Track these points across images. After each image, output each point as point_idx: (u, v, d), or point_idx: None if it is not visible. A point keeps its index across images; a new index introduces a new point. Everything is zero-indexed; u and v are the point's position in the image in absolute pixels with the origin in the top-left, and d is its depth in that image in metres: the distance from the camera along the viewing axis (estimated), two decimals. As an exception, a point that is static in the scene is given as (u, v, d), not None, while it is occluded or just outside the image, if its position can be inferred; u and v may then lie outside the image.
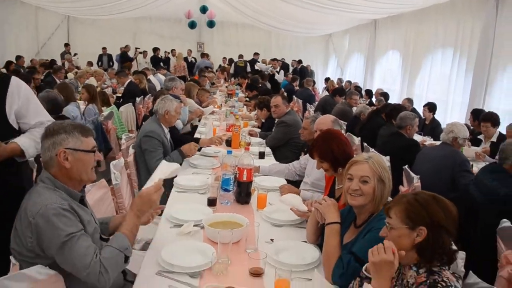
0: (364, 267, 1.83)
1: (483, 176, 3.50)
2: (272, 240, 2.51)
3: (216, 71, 14.75)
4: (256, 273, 2.12)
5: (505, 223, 2.90)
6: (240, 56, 15.58)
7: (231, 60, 16.09)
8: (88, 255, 1.87)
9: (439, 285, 1.57)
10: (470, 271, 2.07)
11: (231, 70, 14.81)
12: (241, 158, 3.05)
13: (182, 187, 3.36)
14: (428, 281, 1.61)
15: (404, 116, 5.01)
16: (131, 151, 4.07)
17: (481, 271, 2.05)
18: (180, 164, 3.91)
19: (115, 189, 3.27)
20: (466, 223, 3.21)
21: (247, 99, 8.39)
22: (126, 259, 2.01)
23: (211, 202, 2.97)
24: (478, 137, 6.21)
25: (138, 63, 15.14)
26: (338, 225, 2.21)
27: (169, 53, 15.90)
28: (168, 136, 4.12)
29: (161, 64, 14.72)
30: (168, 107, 3.98)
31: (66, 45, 14.87)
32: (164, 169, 2.44)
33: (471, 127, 6.67)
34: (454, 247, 1.77)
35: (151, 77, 10.51)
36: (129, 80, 8.65)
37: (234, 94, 9.10)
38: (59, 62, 12.85)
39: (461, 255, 2.25)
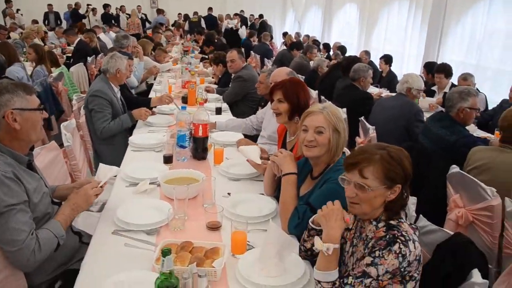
0: (311, 219, 1.84)
1: (431, 125, 3.59)
2: (229, 194, 2.51)
3: (172, 26, 14.31)
4: (213, 227, 2.13)
5: (454, 169, 3.02)
6: (195, 13, 15.13)
7: (186, 16, 15.63)
8: (24, 231, 1.79)
9: (398, 240, 1.56)
10: (421, 215, 2.14)
11: (186, 27, 14.40)
12: (196, 114, 3.01)
13: (137, 146, 3.30)
14: (387, 236, 1.60)
15: (357, 68, 5.04)
16: (83, 112, 3.92)
17: (431, 216, 2.11)
18: (130, 126, 3.83)
19: (67, 151, 3.17)
20: (418, 169, 3.31)
21: (206, 56, 8.21)
22: (57, 247, 1.94)
23: (167, 159, 2.93)
24: (432, 88, 6.36)
25: (90, 21, 14.45)
26: (295, 175, 2.21)
27: (119, 9, 15.23)
28: (119, 95, 3.97)
29: (113, 21, 14.12)
30: (119, 65, 3.82)
31: (8, 1, 13.92)
32: (105, 172, 2.33)
33: (425, 80, 6.83)
34: None
35: (101, 35, 10.09)
36: (78, 39, 8.25)
37: (190, 50, 8.87)
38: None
39: (413, 200, 2.33)
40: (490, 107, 5.61)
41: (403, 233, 1.60)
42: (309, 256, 1.88)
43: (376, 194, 1.63)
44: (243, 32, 13.70)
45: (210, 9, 15.12)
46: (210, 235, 2.09)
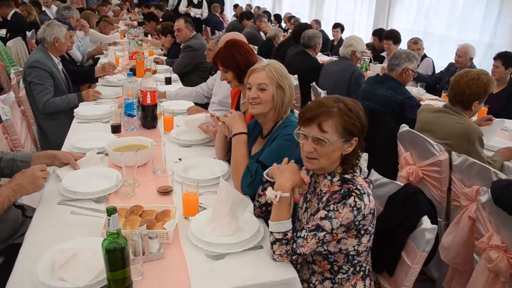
0: (265, 172, 1.82)
1: (373, 88, 3.62)
2: (180, 159, 2.45)
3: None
4: (164, 191, 2.07)
5: (404, 128, 3.08)
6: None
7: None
8: None
9: (353, 193, 1.55)
10: (372, 169, 2.17)
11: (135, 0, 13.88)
12: (143, 81, 2.90)
13: (83, 117, 3.16)
14: (342, 190, 1.58)
15: (312, 34, 5.02)
16: (22, 85, 3.70)
17: (383, 174, 2.13)
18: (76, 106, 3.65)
19: (6, 125, 2.99)
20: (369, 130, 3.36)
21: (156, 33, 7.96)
22: None
23: (115, 129, 2.82)
24: (382, 54, 6.47)
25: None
26: (245, 135, 2.18)
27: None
28: (60, 66, 3.77)
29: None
30: (57, 34, 3.61)
31: None
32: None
33: (376, 47, 6.94)
34: None
35: (46, 9, 9.55)
36: (13, 11, 7.71)
37: (137, 21, 8.54)
38: None
39: (365, 157, 2.35)
40: (437, 71, 5.77)
41: (358, 186, 1.59)
42: (264, 213, 1.87)
43: (334, 148, 1.60)
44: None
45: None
46: (161, 199, 2.04)
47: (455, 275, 2.54)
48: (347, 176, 1.65)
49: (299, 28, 5.68)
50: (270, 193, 1.64)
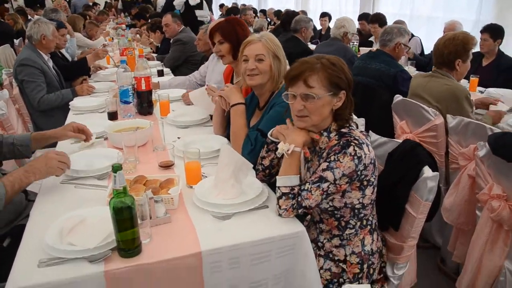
0: (270, 133, 1.83)
1: (367, 63, 3.64)
2: (179, 138, 2.45)
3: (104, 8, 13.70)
4: (166, 165, 2.08)
5: (397, 98, 3.11)
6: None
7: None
8: None
9: (352, 143, 1.57)
10: (370, 131, 2.19)
11: (119, 6, 13.82)
12: (136, 67, 2.90)
13: (79, 109, 3.17)
14: (341, 142, 1.60)
15: (299, 19, 5.04)
16: (15, 84, 3.69)
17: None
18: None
19: (2, 120, 2.99)
20: (363, 104, 3.39)
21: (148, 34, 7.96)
22: None
23: (112, 116, 2.83)
24: (369, 39, 6.50)
25: (12, 5, 13.49)
26: (242, 105, 2.20)
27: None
28: (50, 63, 3.76)
29: (38, 5, 13.29)
30: (43, 31, 3.59)
31: None
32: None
33: (363, 32, 6.97)
34: None
35: (35, 17, 9.51)
36: (-2, 21, 7.67)
37: (125, 25, 8.54)
38: None
39: (361, 121, 2.37)
40: (426, 52, 5.82)
41: (356, 137, 1.61)
42: (267, 176, 1.88)
43: (323, 102, 1.62)
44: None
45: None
46: (164, 173, 2.04)
47: (459, 236, 2.57)
48: (343, 130, 1.67)
49: (287, 16, 5.71)
50: (282, 146, 1.65)
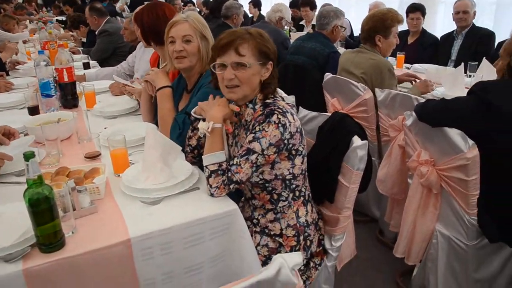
0: (193, 110, 1.79)
1: (303, 44, 3.69)
2: (105, 128, 2.34)
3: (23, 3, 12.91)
4: (92, 156, 1.97)
5: (328, 76, 3.14)
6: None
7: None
8: None
9: (275, 112, 1.57)
10: (300, 107, 2.19)
11: (40, 1, 13.07)
12: (56, 58, 2.74)
13: (-4, 107, 2.94)
14: (265, 111, 1.59)
15: (229, 5, 5.00)
16: None
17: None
18: None
19: None
20: (296, 83, 3.42)
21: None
22: None
23: (33, 111, 2.65)
24: (301, 23, 6.58)
25: None
26: (169, 88, 2.13)
27: None
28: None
29: None
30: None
31: None
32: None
33: (294, 17, 7.04)
34: None
35: None
36: None
37: (47, 22, 8.07)
38: None
39: (291, 99, 2.37)
40: (355, 34, 5.96)
41: (280, 106, 1.61)
42: (196, 157, 1.83)
43: (254, 72, 1.62)
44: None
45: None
46: (90, 164, 1.93)
47: (394, 206, 2.64)
48: (268, 100, 1.67)
49: (215, 2, 5.64)
50: (202, 125, 1.62)
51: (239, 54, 1.59)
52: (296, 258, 1.00)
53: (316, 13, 6.15)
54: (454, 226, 2.06)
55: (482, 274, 2.07)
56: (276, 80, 1.69)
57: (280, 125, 1.55)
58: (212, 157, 1.58)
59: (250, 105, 1.69)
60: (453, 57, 4.33)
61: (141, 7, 2.64)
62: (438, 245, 2.14)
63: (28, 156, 1.21)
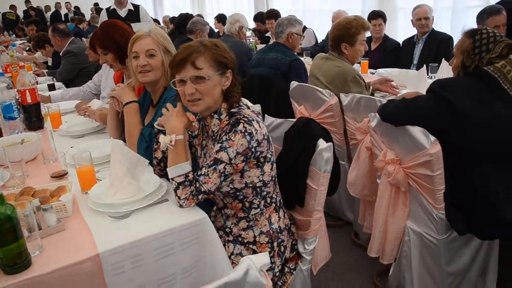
0: (156, 123, 1.78)
1: (264, 55, 3.72)
2: (72, 147, 2.31)
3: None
4: (58, 175, 1.94)
5: (293, 84, 3.18)
6: (12, 7, 13.46)
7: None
8: None
9: (241, 121, 1.57)
10: (266, 115, 2.21)
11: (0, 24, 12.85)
12: (18, 80, 2.69)
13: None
14: (231, 121, 1.59)
15: (195, 21, 5.06)
16: None
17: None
18: None
19: None
20: (261, 94, 3.44)
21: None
22: None
23: (-6, 134, 2.60)
24: (266, 35, 6.66)
25: None
26: (136, 103, 2.13)
27: None
28: None
29: None
30: None
31: None
32: None
33: (258, 29, 7.14)
34: None
35: None
36: None
37: (8, 45, 7.94)
38: None
39: (257, 108, 2.38)
40: (319, 41, 6.09)
41: (245, 115, 1.62)
42: (164, 170, 1.82)
43: (214, 83, 1.62)
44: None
45: (28, 1, 13.61)
46: (55, 182, 1.90)
47: (366, 208, 2.67)
48: (233, 110, 1.67)
49: (180, 18, 5.67)
50: (163, 139, 1.61)
51: (196, 67, 1.59)
52: (264, 258, 1.01)
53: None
54: (424, 222, 2.10)
55: (455, 266, 2.12)
56: (238, 88, 1.69)
57: (246, 133, 1.55)
58: (178, 169, 1.58)
59: (216, 116, 1.68)
60: (415, 61, 4.45)
61: (97, 31, 2.61)
62: (410, 241, 2.18)
63: (-13, 175, 1.18)
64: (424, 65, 3.33)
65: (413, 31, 4.57)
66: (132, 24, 4.64)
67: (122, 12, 4.76)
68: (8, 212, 1.22)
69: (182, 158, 1.60)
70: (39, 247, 1.37)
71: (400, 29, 5.93)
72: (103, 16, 4.94)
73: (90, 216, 1.57)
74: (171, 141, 1.58)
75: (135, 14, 5.05)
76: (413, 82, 3.21)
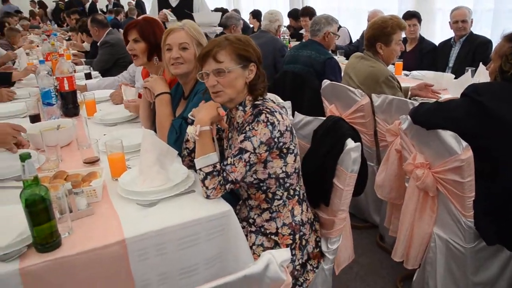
0: (190, 114, 1.83)
1: (298, 52, 3.72)
2: (105, 135, 2.37)
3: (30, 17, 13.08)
4: (91, 161, 2.00)
5: (325, 83, 3.17)
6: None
7: (41, 3, 14.38)
8: None
9: (263, 111, 1.62)
10: (295, 112, 2.21)
11: (49, 15, 13.22)
12: (57, 67, 2.78)
13: (-2, 115, 2.99)
14: (254, 112, 1.65)
15: (230, 15, 5.09)
16: None
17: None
18: None
19: None
20: (294, 91, 3.45)
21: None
22: None
23: (34, 119, 2.68)
24: (300, 32, 6.64)
25: None
26: (167, 95, 2.17)
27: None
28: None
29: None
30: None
31: None
32: None
33: (292, 26, 7.13)
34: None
35: None
36: None
37: (51, 33, 8.19)
38: None
39: (288, 104, 2.40)
40: (354, 41, 6.02)
41: (268, 106, 1.66)
42: (193, 161, 1.85)
43: (235, 75, 1.66)
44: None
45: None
46: (87, 167, 1.96)
47: (393, 211, 2.64)
48: (257, 102, 1.71)
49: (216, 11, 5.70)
50: (190, 129, 1.67)
51: (217, 61, 1.65)
52: (285, 254, 1.02)
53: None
54: (451, 229, 2.06)
55: (482, 277, 2.07)
56: (263, 81, 1.73)
57: (268, 123, 1.59)
58: (205, 159, 1.61)
59: (241, 108, 1.73)
60: (451, 64, 4.35)
61: (139, 19, 2.62)
62: (436, 248, 2.15)
63: (24, 157, 1.23)
64: (470, 70, 3.23)
65: (451, 33, 4.46)
66: (194, 15, 4.60)
67: (173, 2, 4.70)
68: (42, 193, 1.27)
69: (209, 149, 1.63)
70: (69, 229, 1.42)
71: (438, 31, 5.78)
72: (154, 4, 4.87)
73: (118, 202, 1.62)
74: (196, 132, 1.62)
75: (187, 3, 4.86)
76: (456, 87, 3.12)
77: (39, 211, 1.28)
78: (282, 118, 1.63)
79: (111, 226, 1.45)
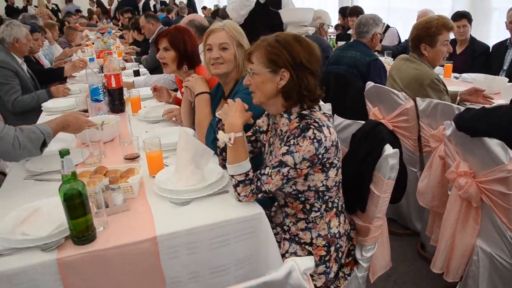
0: (218, 113, 1.83)
1: (343, 53, 3.65)
2: (146, 132, 2.44)
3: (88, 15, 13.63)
4: (131, 158, 2.06)
5: (369, 85, 3.11)
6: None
7: (99, 3, 14.93)
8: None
9: (311, 126, 1.54)
10: (335, 114, 2.18)
11: (113, 7, 13.63)
12: (106, 64, 2.88)
13: (51, 110, 3.14)
14: (301, 125, 1.56)
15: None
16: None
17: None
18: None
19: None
20: (337, 92, 3.40)
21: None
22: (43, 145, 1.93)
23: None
24: (348, 32, 6.53)
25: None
26: (207, 94, 2.19)
27: (26, 1, 14.23)
28: (24, 67, 3.75)
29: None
30: (16, 34, 3.59)
31: None
32: None
33: (341, 25, 7.03)
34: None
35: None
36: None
37: (105, 31, 8.48)
38: None
39: (327, 107, 2.36)
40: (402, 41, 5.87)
41: (316, 120, 1.58)
42: (226, 159, 1.86)
43: (263, 79, 1.61)
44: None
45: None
46: (127, 163, 2.01)
47: (435, 219, 2.55)
48: (304, 112, 1.63)
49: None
50: (222, 136, 1.63)
51: (250, 61, 1.65)
52: (308, 262, 1.00)
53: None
54: (496, 243, 1.97)
55: (529, 295, 1.97)
56: (302, 89, 1.60)
57: (315, 140, 1.52)
58: (238, 168, 1.59)
59: (285, 115, 1.66)
60: (505, 67, 4.14)
61: (170, 28, 2.66)
62: (479, 262, 2.06)
63: (63, 153, 1.29)
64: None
65: (507, 34, 4.24)
66: (281, 12, 4.24)
67: None
68: (79, 188, 1.33)
69: (242, 156, 1.61)
70: (104, 223, 1.47)
71: (493, 31, 5.52)
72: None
73: (153, 199, 1.66)
74: (230, 139, 1.60)
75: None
76: (509, 91, 2.96)
77: (76, 205, 1.33)
78: (330, 133, 1.56)
79: (144, 223, 1.49)
